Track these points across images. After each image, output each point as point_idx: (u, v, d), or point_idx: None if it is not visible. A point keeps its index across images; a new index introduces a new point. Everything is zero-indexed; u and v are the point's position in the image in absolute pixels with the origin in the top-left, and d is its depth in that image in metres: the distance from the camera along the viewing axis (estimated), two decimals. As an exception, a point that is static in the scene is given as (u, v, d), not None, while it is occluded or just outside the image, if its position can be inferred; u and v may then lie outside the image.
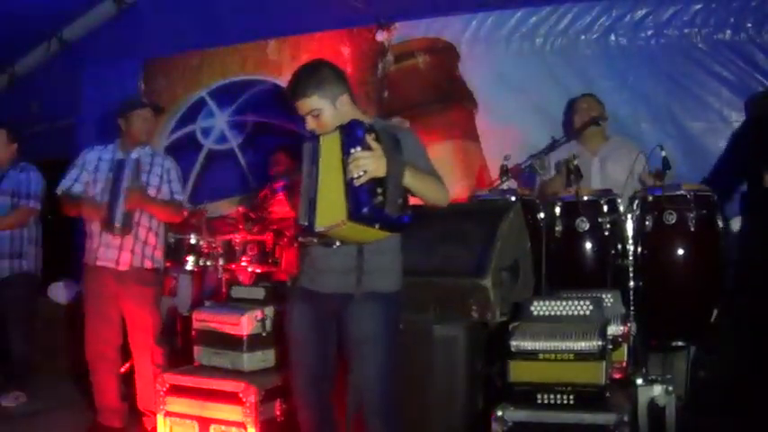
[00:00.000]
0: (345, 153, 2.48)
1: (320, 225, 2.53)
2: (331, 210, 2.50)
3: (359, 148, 2.45)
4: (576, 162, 3.93)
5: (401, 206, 2.53)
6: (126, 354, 4.10)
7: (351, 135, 2.49)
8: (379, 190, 2.45)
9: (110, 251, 3.95)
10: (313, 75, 2.71)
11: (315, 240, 2.69)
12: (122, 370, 4.10)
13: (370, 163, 2.44)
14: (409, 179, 2.56)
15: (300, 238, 2.75)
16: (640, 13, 5.01)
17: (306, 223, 2.58)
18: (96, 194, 3.98)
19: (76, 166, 4.10)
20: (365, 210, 2.43)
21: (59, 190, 4.08)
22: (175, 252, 4.39)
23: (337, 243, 2.64)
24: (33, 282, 4.91)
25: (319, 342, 2.80)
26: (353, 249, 2.66)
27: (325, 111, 2.70)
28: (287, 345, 2.88)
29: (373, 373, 2.67)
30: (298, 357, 2.83)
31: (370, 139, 2.47)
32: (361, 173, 2.43)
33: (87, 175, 4.05)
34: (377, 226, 2.50)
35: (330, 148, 2.56)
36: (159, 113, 4.44)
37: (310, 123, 2.72)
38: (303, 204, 2.61)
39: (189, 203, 4.43)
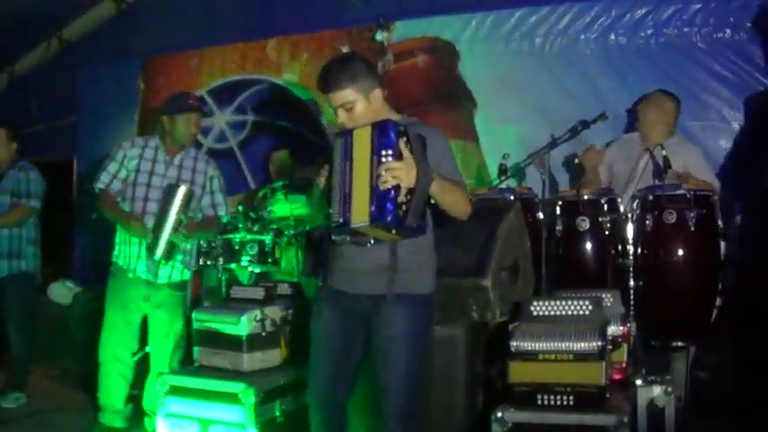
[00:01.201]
0: (376, 153, 2.45)
1: (355, 222, 2.49)
2: (362, 207, 2.47)
3: (390, 152, 2.43)
4: (577, 161, 3.93)
5: (421, 215, 2.53)
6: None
7: (383, 136, 2.46)
8: (405, 199, 2.44)
9: (149, 263, 3.88)
10: (347, 67, 2.68)
11: (348, 239, 2.63)
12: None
13: (400, 174, 2.41)
14: (435, 189, 2.55)
15: (334, 236, 2.66)
16: (640, 12, 5.00)
17: (341, 220, 2.52)
18: (131, 198, 3.92)
19: (116, 160, 3.95)
20: (389, 218, 2.42)
21: (99, 185, 3.94)
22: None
23: (371, 242, 2.59)
24: (32, 282, 4.90)
25: (344, 345, 2.77)
26: (386, 248, 2.62)
27: (358, 104, 2.67)
28: (306, 344, 2.85)
29: (399, 374, 2.63)
30: (319, 358, 2.80)
31: (402, 144, 2.44)
32: (391, 182, 2.40)
33: (126, 172, 3.94)
34: (393, 231, 2.50)
35: (360, 143, 2.52)
36: (204, 116, 4.30)
37: (342, 116, 2.69)
38: (337, 201, 2.54)
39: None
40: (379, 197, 2.42)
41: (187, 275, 4.08)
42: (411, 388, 2.66)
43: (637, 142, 4.36)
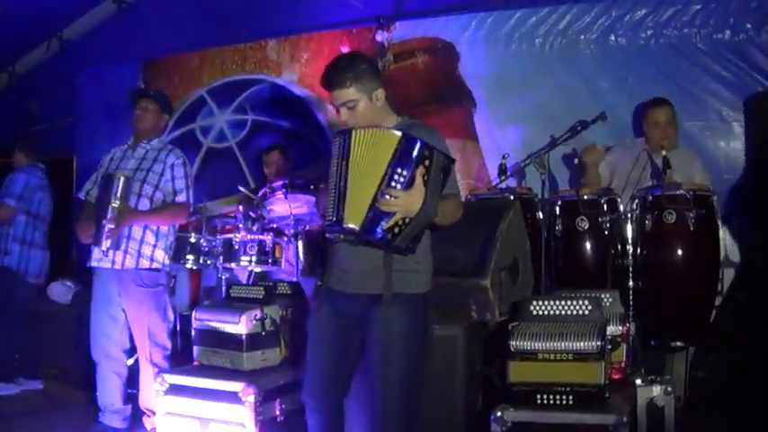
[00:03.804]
0: (391, 167, 2.45)
1: (347, 223, 2.49)
2: (357, 210, 2.47)
3: (405, 173, 2.43)
4: (577, 161, 3.94)
5: (412, 239, 2.54)
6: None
7: (407, 153, 2.46)
8: (400, 222, 2.46)
9: (104, 253, 3.86)
10: (352, 66, 2.69)
11: (341, 236, 2.63)
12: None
13: (403, 205, 2.44)
14: (436, 217, 2.57)
15: (327, 234, 2.69)
16: (640, 13, 5.01)
17: (334, 219, 2.52)
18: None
19: (98, 168, 4.11)
20: (377, 236, 2.46)
21: (80, 194, 4.10)
22: (175, 251, 4.37)
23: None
24: (13, 277, 4.98)
25: (339, 345, 2.76)
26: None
27: (361, 103, 2.68)
28: (305, 343, 2.84)
29: (394, 375, 2.61)
30: (314, 358, 2.79)
31: (419, 171, 2.45)
32: (391, 208, 2.44)
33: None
34: (381, 246, 2.54)
35: (366, 142, 2.51)
36: (164, 107, 4.23)
37: (344, 115, 2.70)
38: (332, 199, 2.54)
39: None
40: (375, 215, 2.45)
41: (157, 262, 3.97)
42: (408, 388, 2.64)
43: (641, 146, 4.35)
